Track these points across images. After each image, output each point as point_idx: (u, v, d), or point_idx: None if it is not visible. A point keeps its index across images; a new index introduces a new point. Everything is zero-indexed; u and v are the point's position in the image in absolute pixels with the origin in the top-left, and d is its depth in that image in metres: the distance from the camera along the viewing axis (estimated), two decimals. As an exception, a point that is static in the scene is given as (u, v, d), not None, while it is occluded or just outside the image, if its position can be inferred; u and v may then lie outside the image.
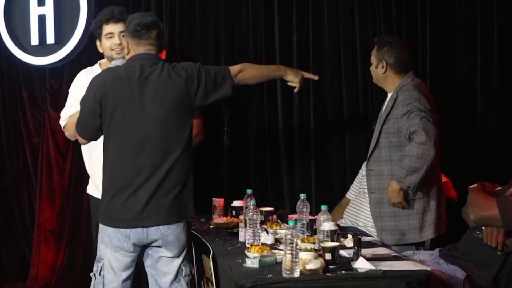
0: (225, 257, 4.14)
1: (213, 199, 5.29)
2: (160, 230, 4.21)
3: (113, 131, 4.24)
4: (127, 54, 4.39)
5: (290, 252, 3.65)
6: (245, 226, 4.46)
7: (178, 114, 4.24)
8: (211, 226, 5.03)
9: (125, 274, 4.29)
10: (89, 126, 4.32)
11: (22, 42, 6.78)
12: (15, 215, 7.04)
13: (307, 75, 4.90)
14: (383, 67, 5.04)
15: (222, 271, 4.06)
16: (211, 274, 4.20)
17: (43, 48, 6.76)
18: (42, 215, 6.84)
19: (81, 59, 6.65)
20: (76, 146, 6.64)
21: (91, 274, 4.36)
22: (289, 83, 4.83)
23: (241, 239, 4.54)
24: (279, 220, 4.96)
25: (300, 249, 3.80)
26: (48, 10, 6.70)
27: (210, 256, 4.22)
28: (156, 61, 4.29)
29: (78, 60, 6.67)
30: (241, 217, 4.63)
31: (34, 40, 6.76)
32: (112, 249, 4.23)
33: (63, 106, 5.90)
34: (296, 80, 4.79)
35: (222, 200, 5.26)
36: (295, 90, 4.82)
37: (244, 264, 3.92)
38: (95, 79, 4.33)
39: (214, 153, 6.25)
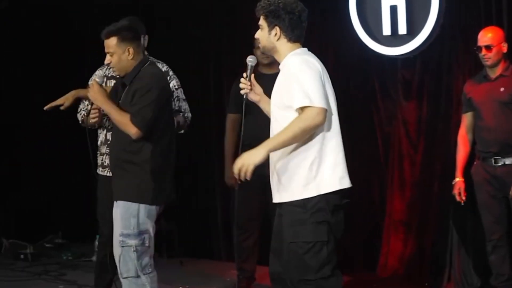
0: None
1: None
2: None
3: None
4: None
5: None
6: None
7: None
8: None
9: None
10: None
11: (374, 33, 7.03)
12: (363, 204, 7.38)
13: None
14: None
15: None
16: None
17: (395, 39, 6.97)
18: (392, 205, 7.11)
19: (432, 50, 6.86)
20: (427, 137, 7.04)
21: (132, 249, 5.03)
22: None
23: None
24: None
25: None
26: (400, 0, 6.87)
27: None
28: None
29: (430, 51, 6.88)
30: None
31: (386, 30, 6.99)
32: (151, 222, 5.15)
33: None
34: None
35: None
36: None
37: None
38: None
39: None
